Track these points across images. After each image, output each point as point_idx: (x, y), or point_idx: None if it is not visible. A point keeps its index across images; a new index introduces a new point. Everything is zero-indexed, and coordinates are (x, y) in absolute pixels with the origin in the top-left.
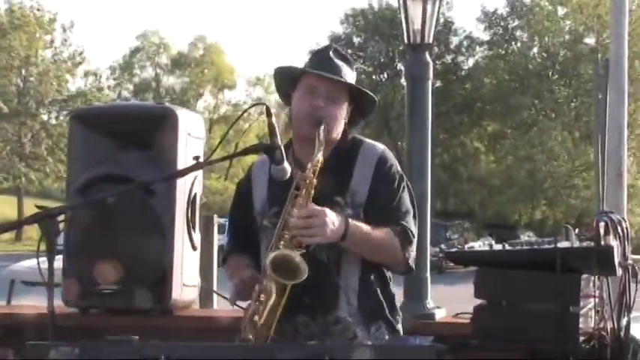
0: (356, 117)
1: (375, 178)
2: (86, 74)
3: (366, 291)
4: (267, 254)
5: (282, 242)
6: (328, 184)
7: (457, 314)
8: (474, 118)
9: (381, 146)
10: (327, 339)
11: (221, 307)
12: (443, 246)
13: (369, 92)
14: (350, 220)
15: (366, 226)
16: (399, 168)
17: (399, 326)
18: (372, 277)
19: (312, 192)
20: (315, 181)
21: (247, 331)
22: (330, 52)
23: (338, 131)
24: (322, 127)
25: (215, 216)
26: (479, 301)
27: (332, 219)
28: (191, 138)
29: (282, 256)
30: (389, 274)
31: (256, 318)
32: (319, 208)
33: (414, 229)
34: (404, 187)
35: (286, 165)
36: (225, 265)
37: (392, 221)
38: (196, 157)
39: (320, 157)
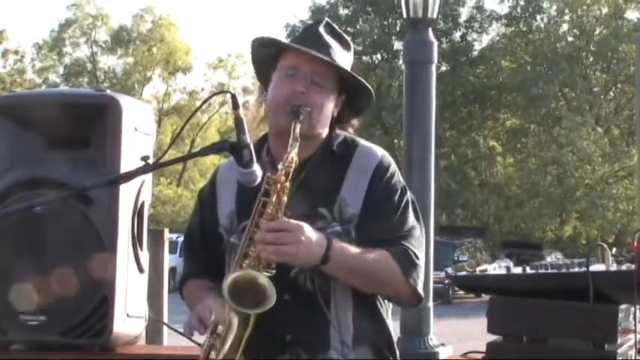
0: (347, 113)
1: (371, 189)
2: (4, 54)
3: (362, 327)
4: (227, 276)
5: (246, 261)
6: (311, 193)
7: (467, 353)
8: (489, 111)
9: (379, 150)
10: None
11: (172, 342)
12: (450, 270)
13: (364, 81)
14: (334, 240)
15: (354, 249)
16: (401, 178)
17: None
18: (369, 309)
19: (285, 199)
20: (288, 184)
21: None
22: (320, 27)
23: (323, 125)
24: (300, 118)
25: (166, 230)
26: (493, 337)
27: (309, 236)
28: (138, 133)
29: (243, 278)
30: (388, 306)
31: (213, 355)
32: (294, 222)
33: (419, 251)
34: (407, 202)
35: (256, 168)
36: (183, 291)
37: (391, 242)
38: (145, 158)
39: (294, 155)
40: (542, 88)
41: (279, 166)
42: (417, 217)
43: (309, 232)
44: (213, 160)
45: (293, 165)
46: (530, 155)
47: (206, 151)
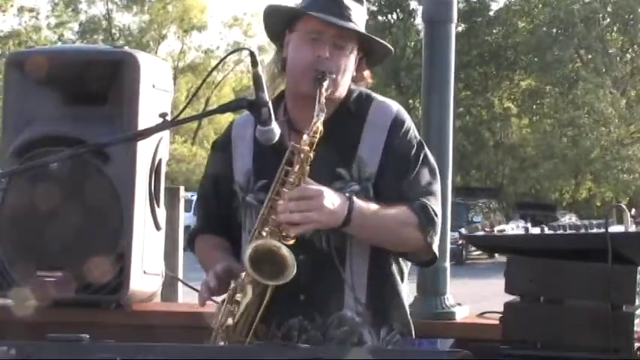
0: (362, 66)
1: (387, 146)
2: (20, 11)
3: (377, 285)
4: (247, 245)
5: (266, 229)
6: (329, 153)
7: (483, 313)
8: (504, 72)
9: (395, 105)
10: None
11: (187, 300)
12: (463, 230)
13: (383, 42)
14: (355, 199)
15: (375, 206)
16: (416, 132)
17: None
18: (386, 268)
19: (307, 169)
20: (311, 154)
21: (218, 337)
22: None
23: (345, 88)
24: (326, 85)
25: (181, 188)
26: (510, 298)
27: (331, 200)
28: (155, 90)
29: (264, 248)
30: (405, 264)
31: (230, 321)
32: (314, 187)
33: (437, 208)
34: (424, 157)
35: (275, 126)
36: (195, 246)
37: (409, 198)
38: (163, 115)
39: (320, 125)
40: (558, 49)
41: (304, 137)
42: (433, 172)
43: (331, 196)
44: (228, 118)
45: (318, 135)
46: (546, 117)
47: (224, 108)
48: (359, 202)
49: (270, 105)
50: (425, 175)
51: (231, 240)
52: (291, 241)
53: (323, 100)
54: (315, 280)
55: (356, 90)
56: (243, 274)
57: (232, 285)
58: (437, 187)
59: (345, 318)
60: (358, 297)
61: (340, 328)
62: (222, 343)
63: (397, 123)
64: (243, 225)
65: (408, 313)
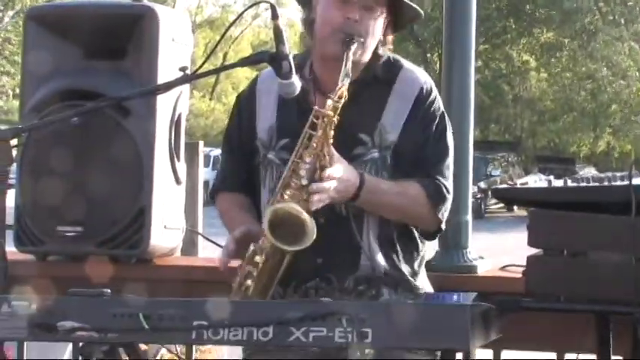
0: (388, 31)
1: (411, 117)
2: None
3: (394, 252)
4: (267, 207)
5: (287, 192)
6: (353, 118)
7: (505, 266)
8: (523, 25)
9: (423, 75)
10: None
11: (207, 254)
12: (482, 184)
13: (414, 5)
14: (366, 177)
15: (386, 183)
16: (440, 103)
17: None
18: (403, 235)
19: (331, 134)
20: (335, 119)
21: (237, 298)
22: None
23: (371, 50)
24: (354, 49)
25: (201, 143)
26: (533, 251)
27: (345, 179)
28: (175, 44)
29: (284, 212)
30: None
31: (249, 282)
32: (336, 167)
33: (450, 185)
34: (445, 133)
35: (295, 79)
36: (217, 204)
37: (424, 172)
38: (183, 68)
39: (344, 90)
40: (576, 2)
41: (329, 101)
42: (450, 149)
43: (346, 172)
44: (245, 73)
45: (342, 101)
46: (565, 70)
47: (245, 62)
48: (370, 180)
49: (291, 58)
50: (443, 150)
51: (252, 196)
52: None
53: (349, 64)
54: (333, 244)
55: (384, 55)
56: (263, 237)
57: (252, 248)
58: (451, 164)
59: (362, 278)
60: (374, 262)
61: (356, 288)
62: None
63: (424, 95)
64: (263, 182)
65: (425, 279)
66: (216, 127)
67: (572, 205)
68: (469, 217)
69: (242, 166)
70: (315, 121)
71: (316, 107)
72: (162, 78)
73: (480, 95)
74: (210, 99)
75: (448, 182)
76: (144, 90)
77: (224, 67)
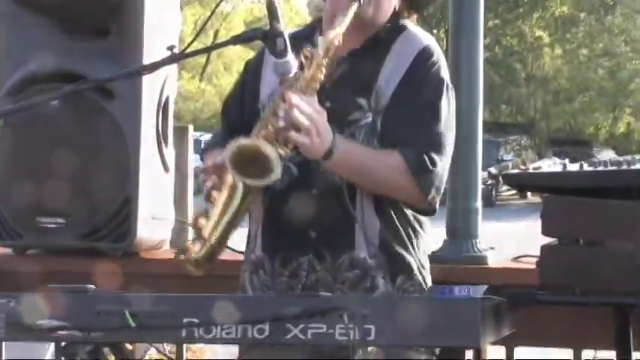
0: (406, 8)
1: (406, 78)
2: None
3: (390, 228)
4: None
5: (263, 132)
6: (352, 82)
7: (518, 257)
8: None
9: (427, 37)
10: (338, 287)
11: None
12: (493, 169)
13: None
14: (337, 135)
15: (362, 147)
16: (445, 72)
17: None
18: (399, 211)
19: (320, 77)
20: (325, 62)
21: (190, 234)
22: None
23: (384, 14)
24: (362, 0)
25: (190, 127)
26: (547, 241)
27: (323, 127)
28: (162, 22)
29: (248, 148)
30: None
31: (202, 222)
32: (319, 107)
33: (438, 156)
34: (439, 99)
35: (291, 58)
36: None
37: (410, 143)
38: (170, 47)
39: (339, 31)
40: None
41: (319, 41)
42: (449, 120)
43: (324, 122)
44: (238, 52)
45: (336, 42)
46: (581, 46)
47: (237, 39)
48: (344, 140)
49: (286, 36)
50: (435, 121)
51: None
52: (289, 152)
53: (352, 12)
54: (327, 216)
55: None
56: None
57: (210, 183)
58: (447, 138)
59: (357, 259)
60: (370, 238)
61: (352, 270)
62: (196, 249)
63: (424, 55)
64: None
65: (426, 261)
66: (207, 110)
67: (589, 190)
68: (479, 204)
69: (241, 128)
70: (302, 60)
71: (309, 48)
72: (148, 58)
73: (490, 74)
74: (200, 80)
75: (436, 154)
76: (129, 71)
77: (215, 46)
